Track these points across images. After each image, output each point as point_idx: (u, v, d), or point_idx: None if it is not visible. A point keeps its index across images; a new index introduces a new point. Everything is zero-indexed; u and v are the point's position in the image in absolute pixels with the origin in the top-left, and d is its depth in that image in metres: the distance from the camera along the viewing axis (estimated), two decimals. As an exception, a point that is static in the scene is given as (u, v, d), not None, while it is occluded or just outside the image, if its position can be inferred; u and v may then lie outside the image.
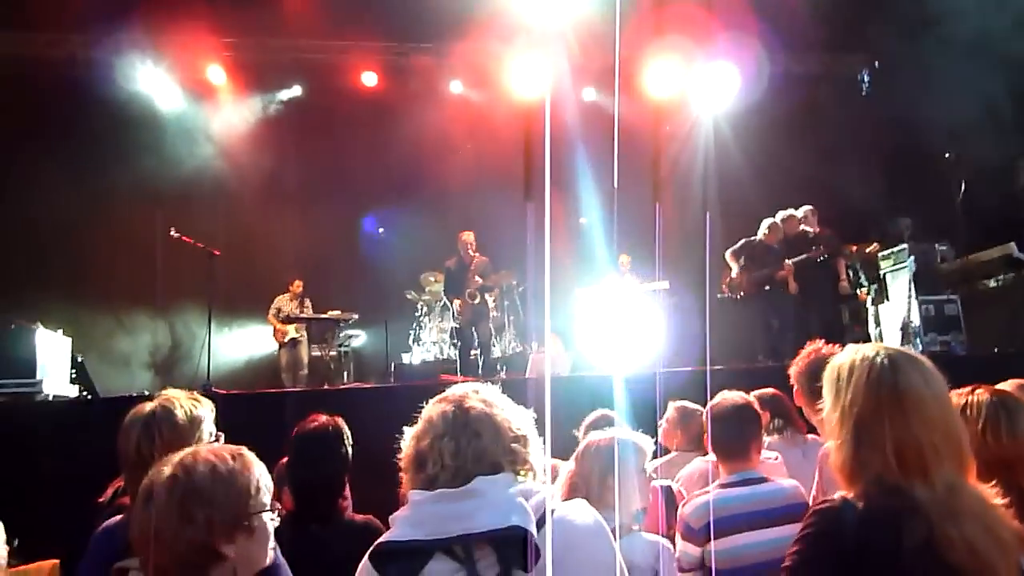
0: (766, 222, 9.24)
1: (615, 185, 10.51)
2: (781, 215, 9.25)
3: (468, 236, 9.87)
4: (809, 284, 8.52)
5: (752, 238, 9.21)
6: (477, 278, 9.69)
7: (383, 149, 12.10)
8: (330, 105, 11.79)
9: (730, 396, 3.18)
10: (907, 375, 1.88)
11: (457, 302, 9.84)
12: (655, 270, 9.77)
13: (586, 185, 10.12)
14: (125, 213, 10.29)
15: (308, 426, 3.08)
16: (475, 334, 9.83)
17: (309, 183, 11.69)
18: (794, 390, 3.38)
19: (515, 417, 1.73)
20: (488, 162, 11.83)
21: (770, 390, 3.89)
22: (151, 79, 10.67)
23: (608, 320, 10.19)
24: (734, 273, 9.19)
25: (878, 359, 1.92)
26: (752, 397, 3.30)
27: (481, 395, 1.76)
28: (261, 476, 1.93)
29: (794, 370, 3.33)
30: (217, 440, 2.60)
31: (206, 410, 2.56)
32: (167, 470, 1.86)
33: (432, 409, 1.75)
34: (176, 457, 1.89)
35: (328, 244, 11.74)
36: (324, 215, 11.59)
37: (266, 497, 1.92)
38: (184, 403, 2.52)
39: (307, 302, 10.99)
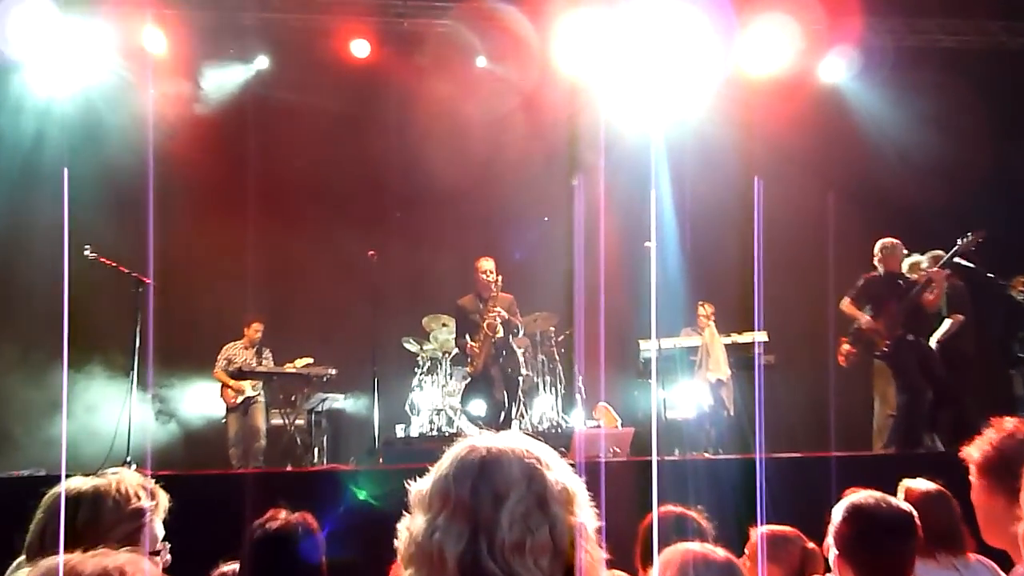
0: (907, 259, 9.57)
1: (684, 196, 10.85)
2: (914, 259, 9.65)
3: (487, 264, 10.01)
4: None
5: (873, 273, 9.42)
6: (499, 309, 9.86)
7: (376, 144, 12.19)
8: (306, 83, 11.91)
9: (872, 499, 3.13)
10: None
11: (471, 344, 9.98)
12: (749, 320, 9.97)
13: (657, 199, 10.37)
14: (21, 225, 10.53)
15: (267, 526, 3.11)
16: (494, 393, 9.85)
17: (275, 189, 11.81)
18: (974, 485, 3.22)
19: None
20: (521, 166, 11.93)
21: (925, 486, 3.90)
22: (56, 39, 10.73)
23: (683, 385, 10.67)
24: (863, 323, 9.24)
25: None
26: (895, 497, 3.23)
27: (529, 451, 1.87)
28: None
29: (977, 455, 3.19)
30: (159, 553, 2.62)
31: (155, 504, 2.65)
32: None
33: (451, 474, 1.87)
34: (49, 563, 1.88)
35: (298, 273, 11.85)
36: (294, 234, 11.71)
37: None
38: (129, 488, 2.60)
39: (267, 352, 11.18)
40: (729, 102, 11.60)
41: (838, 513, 3.23)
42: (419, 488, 1.86)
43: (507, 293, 10.06)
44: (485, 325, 9.72)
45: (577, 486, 1.87)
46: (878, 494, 3.17)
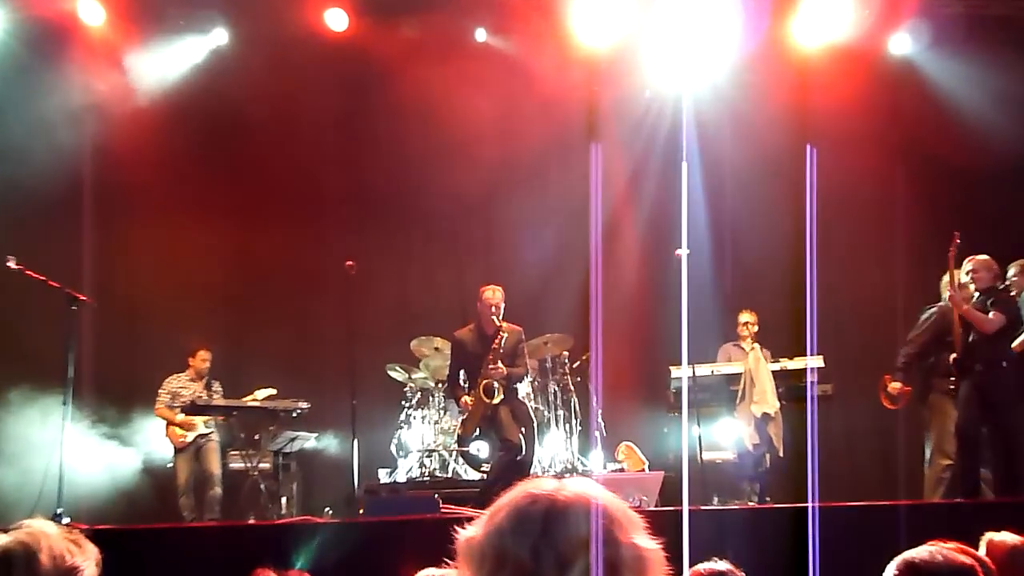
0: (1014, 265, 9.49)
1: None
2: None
3: (494, 295, 9.81)
4: None
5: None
6: (500, 365, 9.67)
7: (357, 135, 12.23)
8: (271, 63, 11.85)
9: (927, 552, 3.13)
10: None
11: (465, 399, 9.88)
12: (800, 342, 9.81)
13: (689, 196, 10.29)
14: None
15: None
16: (503, 432, 9.76)
17: (235, 190, 11.82)
18: None
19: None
20: (529, 159, 11.97)
21: (1012, 539, 4.00)
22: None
23: (722, 421, 10.68)
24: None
25: None
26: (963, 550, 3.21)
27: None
28: None
29: None
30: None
31: (87, 560, 2.65)
32: None
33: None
34: None
35: (261, 288, 11.86)
36: (257, 242, 11.72)
37: None
38: (55, 545, 2.60)
39: (216, 385, 11.19)
40: (775, 75, 11.69)
41: (890, 572, 3.23)
42: (469, 538, 1.86)
43: (515, 324, 9.90)
44: (481, 388, 9.59)
45: (655, 555, 1.87)
46: (935, 547, 3.15)
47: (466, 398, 9.80)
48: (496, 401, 9.59)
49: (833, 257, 10.20)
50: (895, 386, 9.49)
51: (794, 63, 11.55)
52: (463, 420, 10.02)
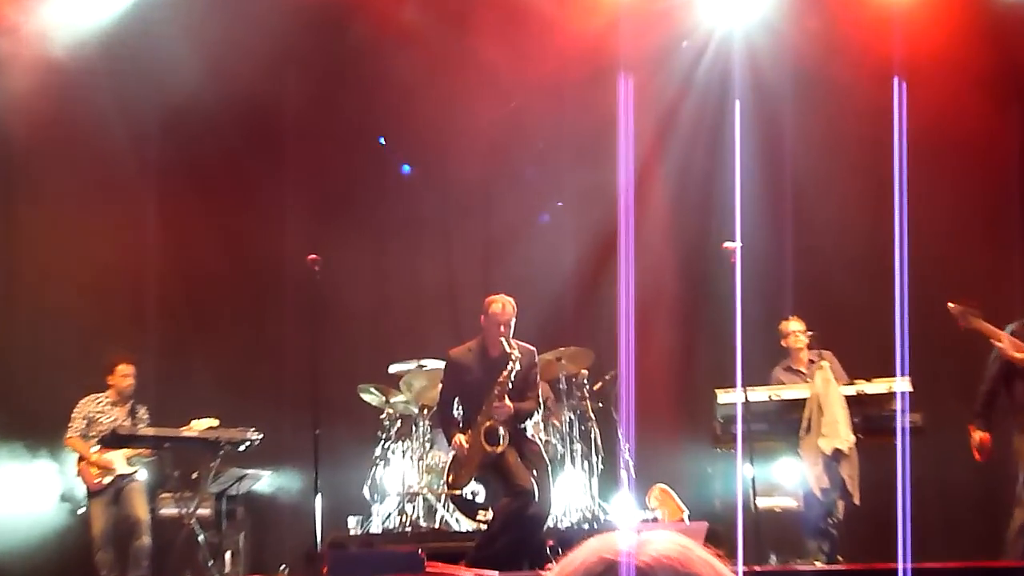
0: None
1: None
2: None
3: (504, 311, 9.51)
4: None
5: None
6: (507, 401, 9.39)
7: (327, 98, 12.27)
8: (207, 5, 11.88)
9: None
10: None
11: (460, 437, 9.58)
12: (884, 360, 9.76)
13: (739, 180, 10.02)
14: None
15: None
16: (509, 473, 9.48)
17: (167, 165, 11.86)
18: None
19: None
20: (543, 132, 12.16)
21: None
22: None
23: (782, 459, 10.64)
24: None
25: None
26: None
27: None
28: None
29: None
30: None
31: None
32: None
33: None
34: None
35: (200, 287, 11.89)
36: (192, 232, 11.77)
37: None
38: None
39: (142, 411, 11.13)
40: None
41: None
42: None
43: (526, 344, 9.66)
44: (483, 432, 9.31)
45: None
46: None
47: (460, 437, 9.50)
48: (500, 450, 9.37)
49: (927, 241, 10.20)
50: (976, 436, 9.61)
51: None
52: (455, 465, 9.77)
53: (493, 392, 9.32)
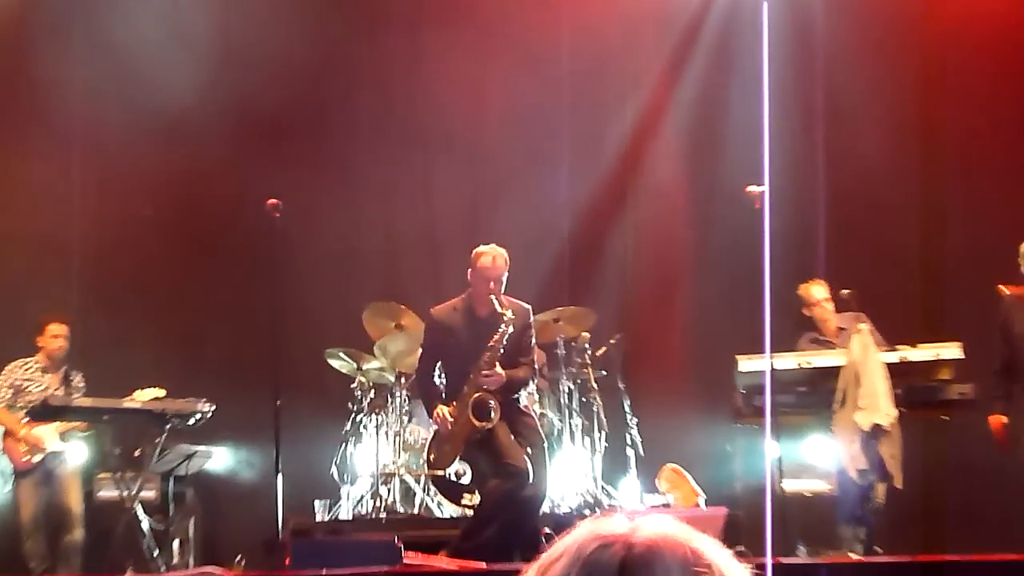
0: None
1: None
2: None
3: (494, 264, 9.45)
4: None
5: None
6: (498, 368, 9.31)
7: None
8: None
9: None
10: None
11: (443, 409, 9.53)
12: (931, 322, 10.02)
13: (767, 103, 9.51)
14: None
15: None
16: (497, 450, 9.45)
17: (101, 95, 11.79)
18: None
19: None
20: (536, 62, 12.04)
21: None
22: None
23: (813, 436, 10.51)
24: None
25: None
26: None
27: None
28: None
29: None
30: None
31: None
32: None
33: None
34: None
35: (139, 239, 11.82)
36: (131, 171, 11.68)
37: None
38: None
39: (78, 378, 11.09)
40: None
41: None
42: None
43: (520, 301, 9.65)
44: (471, 405, 9.22)
45: None
46: None
47: (443, 409, 9.44)
48: (490, 425, 9.29)
49: (980, 183, 10.58)
50: (993, 419, 9.71)
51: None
52: (437, 441, 9.67)
53: (482, 358, 9.22)
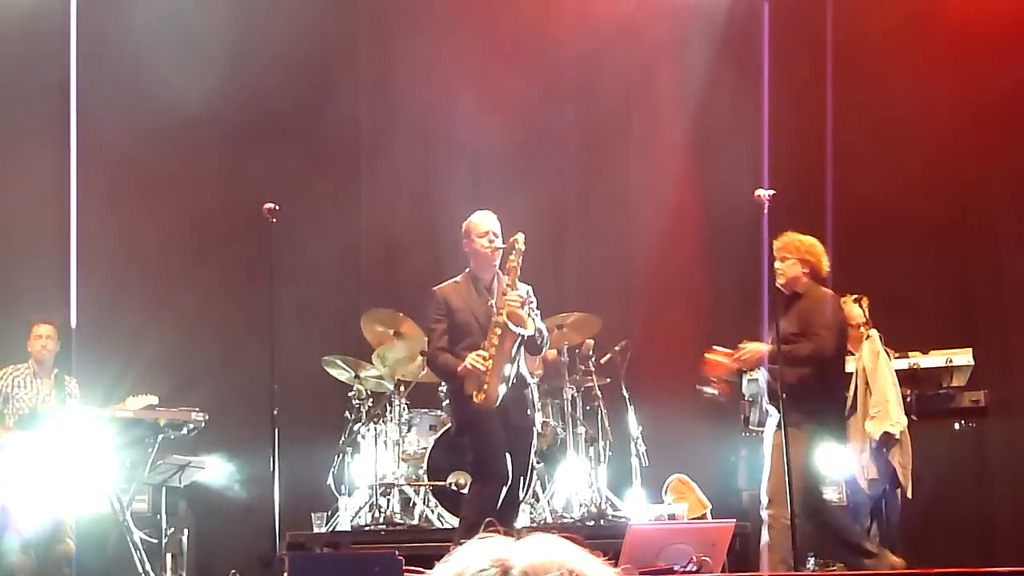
0: None
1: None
2: None
3: (486, 223, 9.32)
4: None
5: None
6: (511, 348, 9.10)
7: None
8: None
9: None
10: None
11: (472, 355, 9.23)
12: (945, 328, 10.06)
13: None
14: None
15: None
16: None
17: (93, 91, 11.70)
18: None
19: None
20: (540, 48, 12.11)
21: None
22: None
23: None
24: None
25: None
26: None
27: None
28: None
29: None
30: None
31: None
32: None
33: None
34: None
35: (132, 243, 11.85)
36: (125, 173, 11.71)
37: None
38: None
39: (72, 383, 10.92)
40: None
41: None
42: None
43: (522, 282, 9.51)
44: (504, 316, 8.92)
45: None
46: None
47: (472, 356, 8.94)
48: (530, 331, 8.99)
49: (993, 188, 10.56)
50: None
51: None
52: (478, 381, 8.96)
53: (492, 329, 8.91)
